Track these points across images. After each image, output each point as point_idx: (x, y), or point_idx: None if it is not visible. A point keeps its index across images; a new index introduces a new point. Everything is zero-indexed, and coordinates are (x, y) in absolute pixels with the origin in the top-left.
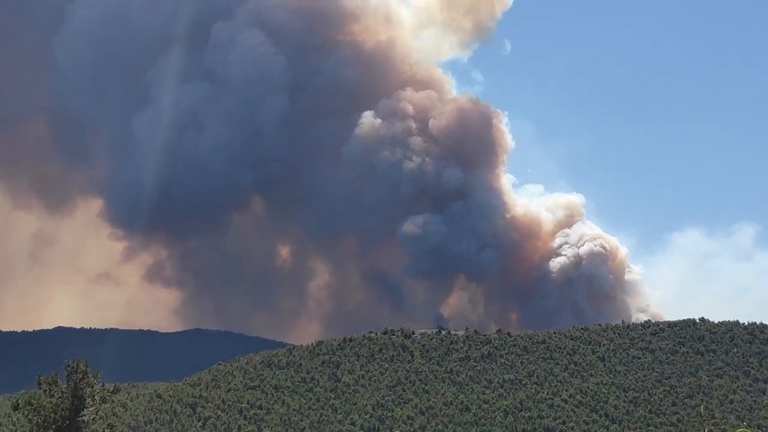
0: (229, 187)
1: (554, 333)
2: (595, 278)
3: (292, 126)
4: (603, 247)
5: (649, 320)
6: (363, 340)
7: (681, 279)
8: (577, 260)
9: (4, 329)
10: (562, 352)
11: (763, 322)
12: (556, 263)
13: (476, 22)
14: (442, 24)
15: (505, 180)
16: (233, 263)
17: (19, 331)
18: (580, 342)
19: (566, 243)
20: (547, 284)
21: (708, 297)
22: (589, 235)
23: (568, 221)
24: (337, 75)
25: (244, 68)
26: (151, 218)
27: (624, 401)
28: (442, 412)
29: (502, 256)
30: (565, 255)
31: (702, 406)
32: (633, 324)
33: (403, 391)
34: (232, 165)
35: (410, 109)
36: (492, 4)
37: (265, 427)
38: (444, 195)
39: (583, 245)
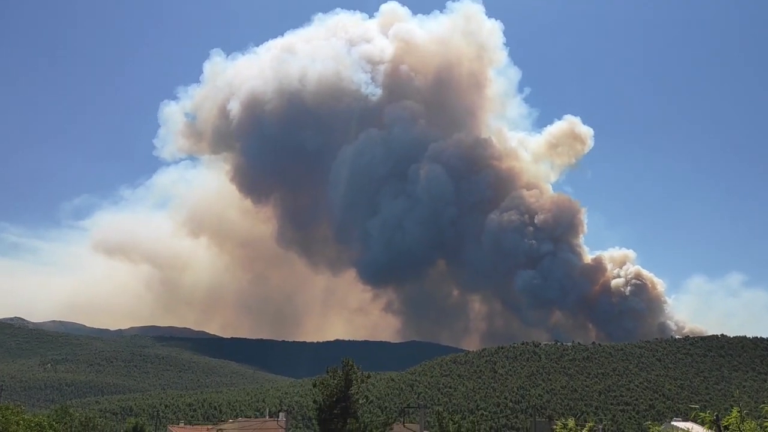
0: (425, 258)
1: (627, 345)
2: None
3: (457, 224)
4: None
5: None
6: (510, 347)
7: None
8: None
9: (308, 341)
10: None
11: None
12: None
13: (568, 159)
14: (548, 159)
15: (582, 247)
16: (428, 299)
17: (315, 341)
18: (645, 350)
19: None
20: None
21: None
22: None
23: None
24: (483, 190)
25: (429, 190)
26: (383, 277)
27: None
28: (560, 394)
29: (579, 292)
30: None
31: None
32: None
33: (534, 380)
34: (426, 247)
35: (523, 204)
36: (577, 149)
37: (453, 398)
38: (540, 258)
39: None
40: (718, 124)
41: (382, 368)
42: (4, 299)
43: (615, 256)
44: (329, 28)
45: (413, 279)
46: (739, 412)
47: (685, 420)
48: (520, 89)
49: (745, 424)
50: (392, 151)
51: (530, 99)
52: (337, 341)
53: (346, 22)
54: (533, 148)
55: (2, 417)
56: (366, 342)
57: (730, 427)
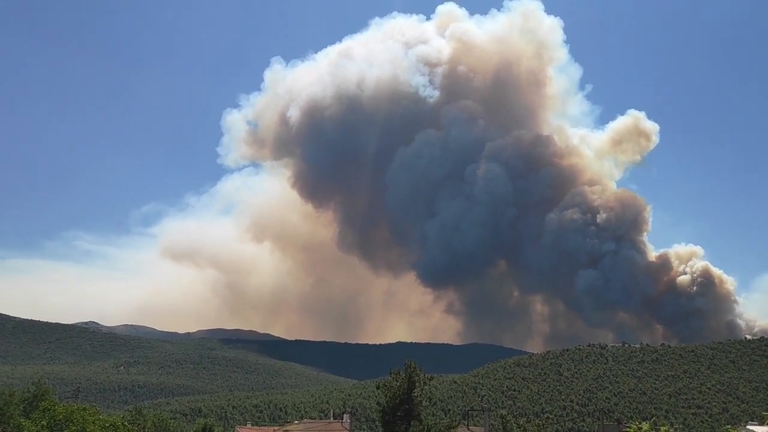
0: (484, 259)
1: (698, 346)
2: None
3: (517, 223)
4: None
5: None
6: (575, 349)
7: None
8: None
9: (370, 343)
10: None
11: None
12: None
13: (633, 156)
14: (612, 156)
15: (647, 244)
16: (489, 301)
17: (376, 344)
18: (717, 351)
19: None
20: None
21: None
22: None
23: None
24: (543, 189)
25: (488, 190)
26: (442, 279)
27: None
28: (629, 396)
29: (643, 291)
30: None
31: None
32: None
33: (601, 382)
34: (485, 248)
35: (584, 201)
36: (642, 145)
37: (517, 401)
38: (601, 256)
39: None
40: None
41: (444, 370)
42: (79, 304)
43: (681, 253)
44: (386, 31)
45: (473, 280)
46: None
47: (762, 424)
48: (582, 86)
49: None
50: (450, 152)
51: (592, 96)
52: (398, 343)
53: (402, 25)
54: (596, 145)
55: (80, 417)
56: (428, 344)
57: None
